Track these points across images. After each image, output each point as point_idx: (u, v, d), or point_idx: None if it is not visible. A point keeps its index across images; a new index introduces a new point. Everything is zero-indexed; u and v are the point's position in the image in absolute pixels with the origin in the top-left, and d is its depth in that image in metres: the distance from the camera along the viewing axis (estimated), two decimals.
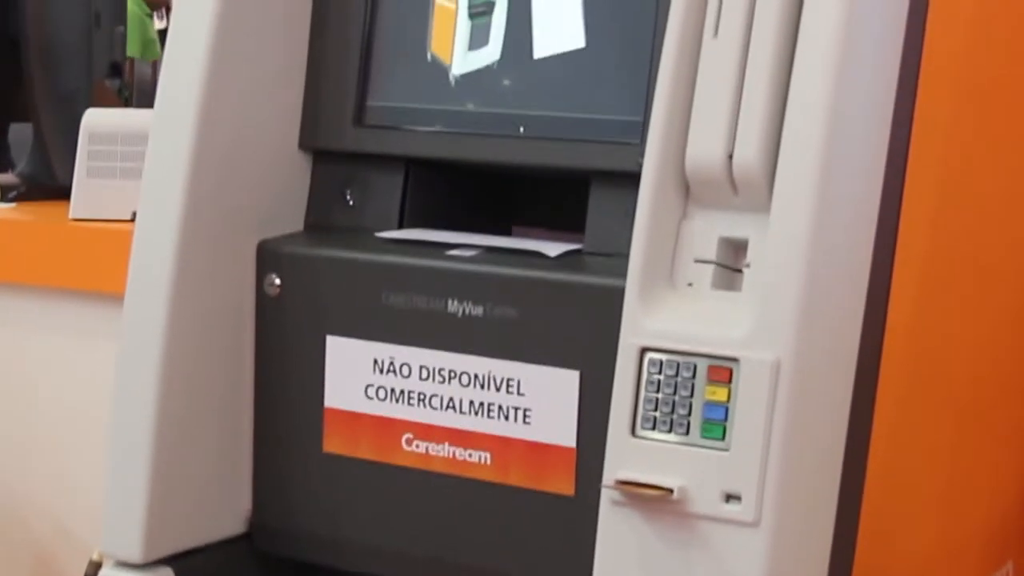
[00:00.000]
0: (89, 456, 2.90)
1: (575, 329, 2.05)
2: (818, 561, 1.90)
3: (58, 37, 3.37)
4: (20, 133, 3.52)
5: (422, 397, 2.17)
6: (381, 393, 2.20)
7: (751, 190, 1.90)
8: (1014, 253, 2.20)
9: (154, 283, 2.22)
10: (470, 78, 2.25)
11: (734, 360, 1.87)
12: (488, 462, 2.13)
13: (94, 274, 2.98)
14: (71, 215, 3.09)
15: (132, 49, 3.70)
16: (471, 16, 2.26)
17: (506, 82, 2.24)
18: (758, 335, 1.86)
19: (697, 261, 1.95)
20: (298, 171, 2.34)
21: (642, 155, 1.95)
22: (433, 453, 2.17)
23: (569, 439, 2.07)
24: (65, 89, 3.38)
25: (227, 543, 2.32)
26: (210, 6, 2.22)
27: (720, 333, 1.89)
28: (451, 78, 2.27)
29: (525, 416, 2.10)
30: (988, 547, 2.26)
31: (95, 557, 2.49)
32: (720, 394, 1.88)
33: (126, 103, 3.57)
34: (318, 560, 2.31)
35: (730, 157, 1.90)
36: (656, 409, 1.91)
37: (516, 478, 2.11)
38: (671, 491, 1.88)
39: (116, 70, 3.48)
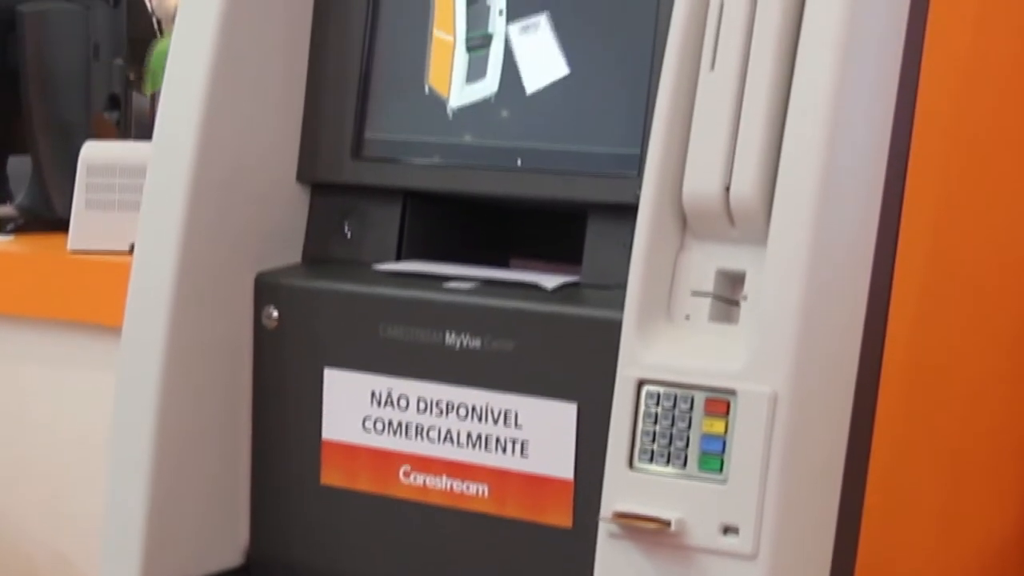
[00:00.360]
0: (86, 487, 2.89)
1: (572, 361, 2.05)
2: None
3: (57, 69, 3.37)
4: (18, 165, 3.52)
5: (420, 429, 2.17)
6: (379, 425, 2.20)
7: (748, 222, 1.90)
8: (1013, 280, 2.20)
9: (152, 315, 2.22)
10: (468, 111, 2.26)
11: (731, 393, 1.87)
12: (486, 494, 2.13)
13: (92, 306, 2.97)
14: (69, 247, 3.09)
15: (157, 84, 3.69)
16: (469, 49, 2.26)
17: (504, 115, 2.24)
18: (755, 368, 1.86)
19: (694, 294, 1.95)
20: (296, 203, 2.35)
21: (639, 187, 1.96)
22: (431, 485, 2.17)
23: (567, 471, 2.07)
24: (64, 121, 3.39)
25: (224, 575, 2.32)
26: (208, 39, 2.23)
27: (717, 366, 1.89)
28: (449, 111, 2.27)
29: (523, 448, 2.10)
30: (987, 572, 2.25)
31: None
32: (717, 426, 1.88)
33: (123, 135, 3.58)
34: None
35: (727, 189, 1.90)
36: (654, 441, 1.91)
37: (514, 510, 2.11)
38: (669, 524, 1.88)
39: (115, 102, 3.49)
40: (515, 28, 2.23)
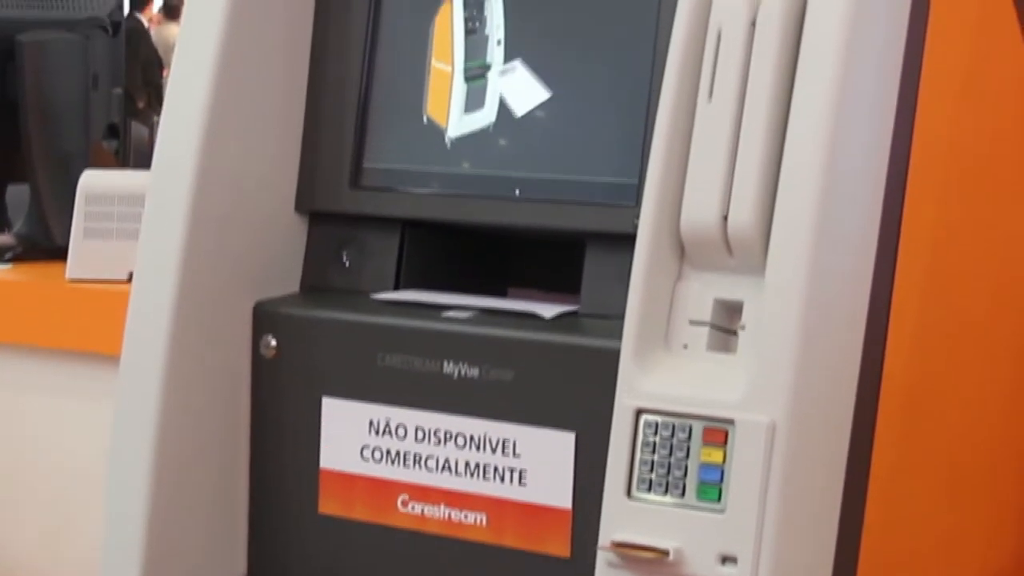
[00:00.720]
0: (85, 514, 2.89)
1: (571, 391, 2.06)
2: None
3: (56, 99, 3.38)
4: (17, 194, 3.52)
5: (418, 458, 2.17)
6: (377, 454, 2.20)
7: (746, 252, 1.91)
8: (1010, 302, 2.21)
9: (150, 344, 2.22)
10: (466, 140, 2.27)
11: (729, 422, 1.88)
12: (484, 524, 2.13)
13: (90, 335, 2.97)
14: (68, 276, 3.09)
15: None
16: (467, 79, 2.27)
17: (502, 144, 2.25)
18: (753, 397, 1.86)
19: (692, 323, 1.96)
20: (294, 233, 2.35)
21: (637, 217, 1.96)
22: (429, 515, 2.17)
23: (565, 501, 2.07)
24: (63, 150, 3.39)
25: None
26: (207, 69, 2.23)
27: (715, 395, 1.89)
28: (447, 140, 2.28)
29: (521, 478, 2.10)
30: None
31: None
32: (715, 456, 1.88)
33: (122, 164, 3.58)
34: None
35: (725, 219, 1.91)
36: (652, 471, 1.92)
37: (512, 540, 2.11)
38: (667, 553, 1.88)
39: (114, 131, 3.49)
40: (494, 72, 2.25)
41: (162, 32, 12.51)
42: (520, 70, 2.23)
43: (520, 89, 2.23)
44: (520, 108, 2.23)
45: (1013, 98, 2.16)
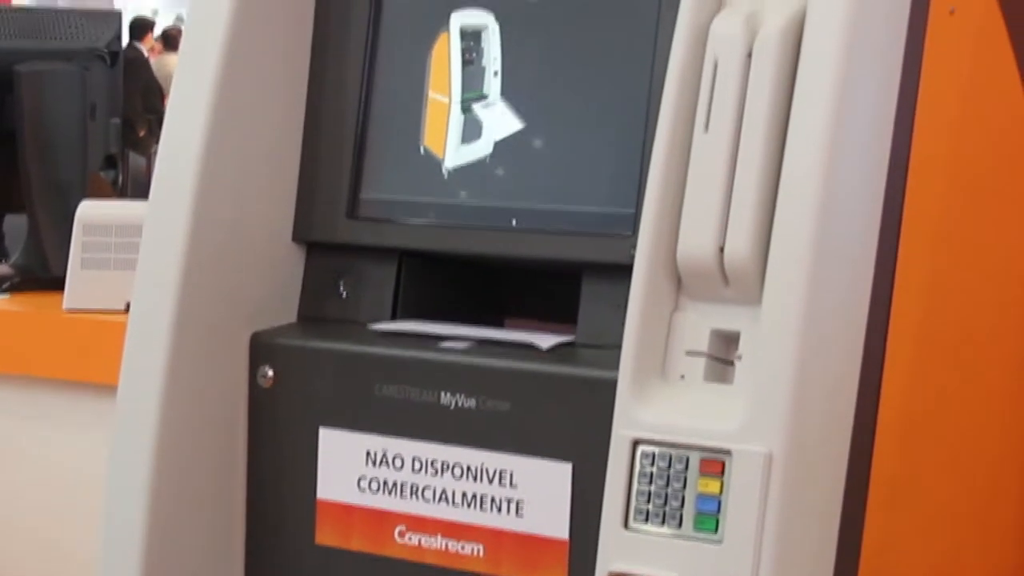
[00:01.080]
0: (82, 547, 2.88)
1: (568, 421, 2.06)
2: None
3: (54, 129, 3.38)
4: (15, 224, 3.53)
5: (415, 489, 2.17)
6: (374, 485, 2.20)
7: (742, 282, 1.91)
8: (1006, 332, 2.21)
9: (147, 374, 2.22)
10: (463, 171, 2.27)
11: (726, 453, 1.88)
12: (481, 554, 2.13)
13: (88, 365, 2.97)
14: (65, 306, 3.09)
15: None
16: (464, 110, 2.27)
17: (498, 174, 2.25)
18: (750, 428, 1.86)
19: (689, 353, 1.96)
20: (292, 263, 2.35)
21: (634, 247, 1.96)
22: (426, 545, 2.17)
23: (562, 531, 2.06)
24: (60, 180, 3.40)
25: None
26: (205, 99, 2.24)
27: (712, 425, 1.89)
28: (444, 171, 2.28)
29: (518, 508, 2.10)
30: None
31: None
32: (713, 486, 1.88)
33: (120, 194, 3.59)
34: None
35: (721, 250, 1.91)
36: (649, 501, 1.91)
37: (509, 570, 2.11)
38: None
39: (111, 162, 3.50)
40: (478, 106, 2.26)
41: (162, 62, 12.55)
42: (499, 104, 2.24)
43: (497, 122, 2.24)
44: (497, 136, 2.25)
45: (1010, 123, 2.17)
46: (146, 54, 12.40)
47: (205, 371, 2.25)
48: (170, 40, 13.49)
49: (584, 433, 2.03)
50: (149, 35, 13.29)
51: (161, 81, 11.07)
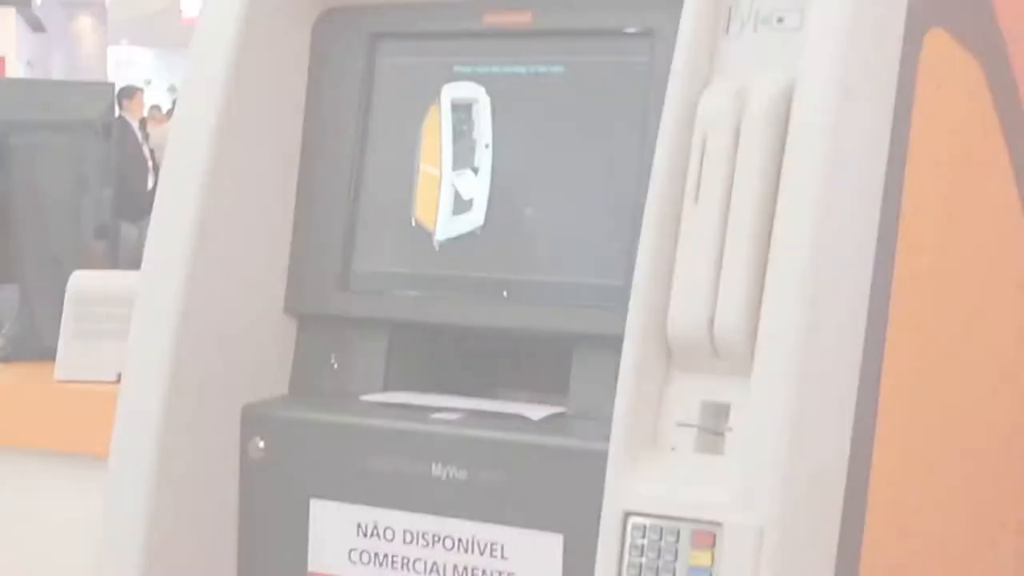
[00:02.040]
0: None
1: (559, 493, 2.05)
2: None
3: (46, 200, 3.39)
4: (7, 294, 3.53)
5: (406, 561, 2.16)
6: (365, 557, 2.20)
7: (733, 354, 1.91)
8: (1000, 403, 2.21)
9: (139, 445, 2.22)
10: (454, 243, 2.28)
11: (717, 524, 1.87)
12: None
13: (79, 435, 2.97)
14: (56, 376, 3.09)
15: None
16: (455, 183, 2.28)
17: (489, 246, 2.26)
18: (741, 499, 1.86)
19: (680, 425, 1.96)
20: (283, 335, 2.36)
21: (625, 319, 1.97)
22: None
23: None
24: (52, 251, 3.40)
25: None
26: (198, 172, 2.25)
27: (703, 497, 1.89)
28: (435, 243, 2.29)
29: None
30: None
31: None
32: (704, 559, 1.88)
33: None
34: None
35: (712, 322, 1.92)
36: (640, 574, 1.91)
37: None
38: None
39: (103, 232, 3.51)
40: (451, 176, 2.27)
41: (165, 131, 12.58)
42: (468, 174, 2.25)
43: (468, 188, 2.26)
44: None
45: (1000, 197, 2.18)
46: (140, 122, 12.44)
47: (196, 442, 2.25)
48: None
49: (575, 504, 2.02)
50: (137, 96, 13.35)
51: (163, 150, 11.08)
